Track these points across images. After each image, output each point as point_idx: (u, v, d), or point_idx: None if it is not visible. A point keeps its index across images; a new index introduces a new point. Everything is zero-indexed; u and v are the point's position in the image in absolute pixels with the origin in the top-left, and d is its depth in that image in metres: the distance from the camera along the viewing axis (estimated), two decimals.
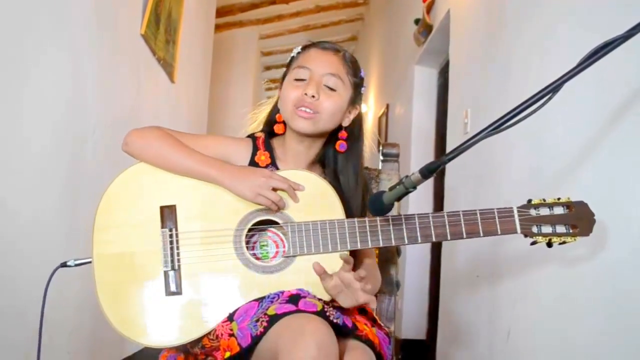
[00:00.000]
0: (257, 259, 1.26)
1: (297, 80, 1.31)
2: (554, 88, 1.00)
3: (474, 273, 2.43)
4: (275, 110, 1.40)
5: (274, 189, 1.23)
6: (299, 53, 1.36)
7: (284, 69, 1.39)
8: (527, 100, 1.01)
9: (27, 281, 1.80)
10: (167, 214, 1.23)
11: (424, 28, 3.63)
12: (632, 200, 1.29)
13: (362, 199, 1.33)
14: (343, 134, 1.35)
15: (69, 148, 2.17)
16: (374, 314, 1.34)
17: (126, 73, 2.86)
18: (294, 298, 1.14)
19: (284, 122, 1.35)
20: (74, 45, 2.17)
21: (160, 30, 3.36)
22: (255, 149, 1.35)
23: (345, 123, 1.35)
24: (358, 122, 1.38)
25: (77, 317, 2.25)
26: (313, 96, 1.27)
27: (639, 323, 1.25)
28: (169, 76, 3.66)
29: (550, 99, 1.01)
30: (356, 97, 1.36)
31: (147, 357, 1.30)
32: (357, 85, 1.35)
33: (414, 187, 1.07)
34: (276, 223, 1.24)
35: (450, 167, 2.91)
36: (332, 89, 1.30)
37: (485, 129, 1.03)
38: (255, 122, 1.45)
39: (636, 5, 1.33)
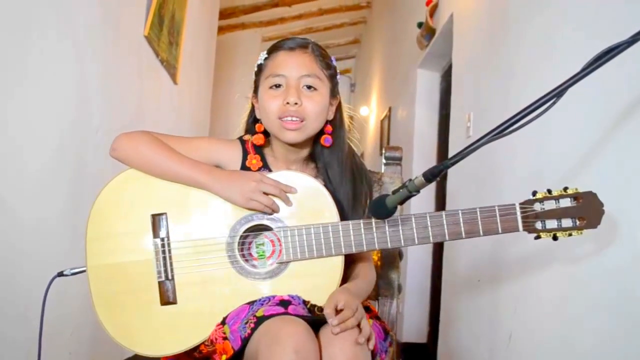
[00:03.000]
0: (254, 258, 1.25)
1: (272, 88, 1.27)
2: (557, 93, 1.00)
3: (475, 277, 2.43)
4: (250, 119, 1.37)
5: (266, 193, 1.20)
6: (266, 59, 1.31)
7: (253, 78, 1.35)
8: (531, 105, 1.01)
9: (29, 282, 1.81)
10: (159, 222, 1.22)
11: (427, 31, 3.64)
12: (636, 202, 1.29)
13: (351, 189, 1.30)
14: (328, 128, 1.31)
15: (72, 149, 2.17)
16: (377, 313, 1.34)
17: (129, 74, 2.86)
18: (285, 303, 1.14)
19: (263, 132, 1.32)
20: (78, 46, 2.18)
21: (164, 32, 3.37)
22: (245, 153, 1.32)
23: (330, 117, 1.32)
24: (339, 112, 1.35)
25: (78, 317, 2.25)
26: (296, 103, 1.24)
27: None
28: (171, 78, 3.66)
29: (553, 104, 1.01)
30: (333, 88, 1.32)
31: (148, 358, 1.30)
32: (332, 76, 1.32)
33: (418, 191, 1.07)
34: (269, 228, 1.23)
35: (452, 171, 2.91)
36: (312, 90, 1.26)
37: (489, 133, 1.03)
38: (239, 127, 1.42)
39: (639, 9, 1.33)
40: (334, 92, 1.32)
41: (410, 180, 1.07)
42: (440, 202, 3.50)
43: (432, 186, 3.66)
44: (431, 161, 3.84)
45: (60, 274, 1.27)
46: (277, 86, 1.26)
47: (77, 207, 2.20)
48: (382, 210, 1.12)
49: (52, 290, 1.26)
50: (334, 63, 1.34)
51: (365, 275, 1.31)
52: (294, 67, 1.26)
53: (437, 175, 1.04)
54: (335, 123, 1.33)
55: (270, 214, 1.21)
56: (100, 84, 2.42)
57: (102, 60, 2.43)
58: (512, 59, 2.18)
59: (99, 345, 2.45)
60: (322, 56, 1.30)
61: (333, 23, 7.21)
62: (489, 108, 2.44)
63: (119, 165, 1.28)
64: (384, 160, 1.56)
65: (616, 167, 1.39)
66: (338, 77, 1.34)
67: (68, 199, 2.15)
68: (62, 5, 2.03)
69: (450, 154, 3.01)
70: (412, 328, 3.88)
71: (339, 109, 1.35)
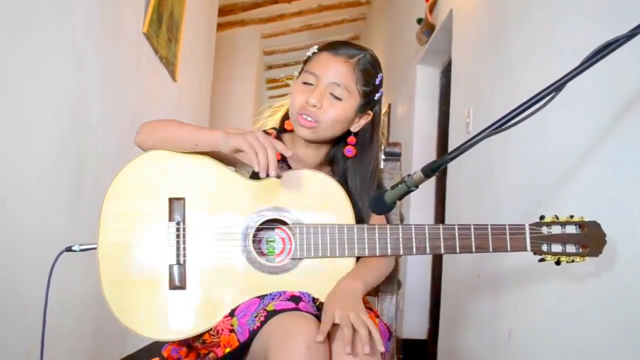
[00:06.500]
0: (263, 253, 1.25)
1: (304, 84, 1.30)
2: (556, 87, 1.00)
3: (475, 273, 2.43)
4: None
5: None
6: (314, 53, 1.33)
7: (296, 68, 1.38)
8: (530, 99, 1.01)
9: (28, 282, 1.80)
10: (176, 206, 1.22)
11: (427, 27, 3.63)
12: (635, 201, 1.29)
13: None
14: (351, 139, 1.33)
15: (71, 147, 2.17)
16: (377, 312, 1.34)
17: (128, 71, 2.86)
18: (296, 299, 1.14)
19: None
20: (77, 43, 2.17)
21: (163, 28, 3.36)
22: None
23: (354, 129, 1.33)
24: (369, 129, 1.35)
25: (78, 314, 2.25)
26: (314, 105, 1.26)
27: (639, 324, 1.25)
28: (171, 74, 3.66)
29: (552, 98, 1.01)
30: (367, 104, 1.32)
31: (148, 354, 1.30)
32: (368, 94, 1.31)
33: (416, 186, 1.07)
34: (285, 223, 1.23)
35: (452, 166, 2.91)
36: (336, 98, 1.27)
37: (487, 128, 1.03)
38: (277, 114, 1.44)
39: (639, 4, 1.33)
40: (364, 108, 1.32)
41: (409, 175, 1.07)
42: (441, 197, 3.50)
43: (432, 182, 3.67)
44: (431, 157, 3.83)
45: (69, 249, 1.25)
46: (309, 84, 1.29)
47: (77, 205, 2.20)
48: (382, 206, 1.12)
49: (52, 288, 1.25)
50: (378, 82, 1.32)
51: (379, 259, 1.27)
52: (329, 72, 1.28)
53: (435, 171, 1.04)
54: (363, 137, 1.35)
55: (254, 158, 1.12)
56: (99, 82, 2.41)
57: (101, 58, 2.42)
58: (511, 55, 2.18)
59: (99, 342, 2.45)
60: (365, 71, 1.29)
61: (333, 20, 7.20)
62: (488, 103, 2.44)
63: (119, 162, 1.27)
64: (383, 156, 1.55)
65: (613, 161, 1.39)
66: (378, 95, 1.33)
67: (68, 197, 2.14)
68: (61, 3, 2.03)
69: (450, 149, 3.02)
70: (412, 325, 3.88)
71: (370, 126, 1.35)
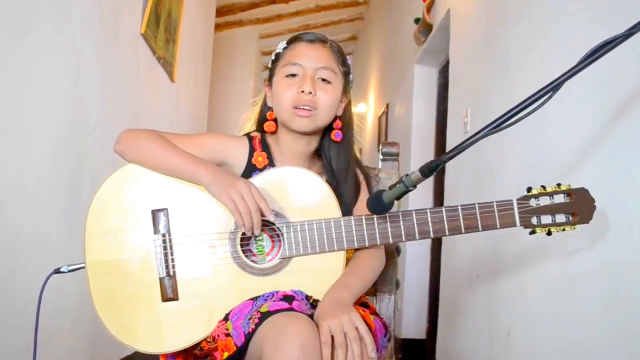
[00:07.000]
0: (253, 254, 1.25)
1: (288, 77, 1.29)
2: (553, 87, 1.00)
3: (473, 272, 2.43)
4: (264, 108, 1.39)
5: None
6: (285, 48, 1.34)
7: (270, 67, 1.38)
8: (527, 99, 1.01)
9: (26, 283, 1.80)
10: (159, 217, 1.21)
11: (424, 27, 3.64)
12: (635, 201, 1.29)
13: (354, 188, 1.33)
14: (338, 123, 1.34)
15: (69, 147, 2.17)
16: (375, 309, 1.34)
17: (126, 72, 2.86)
18: (288, 298, 1.13)
19: (274, 120, 1.34)
20: (75, 44, 2.17)
21: (160, 29, 3.36)
22: (252, 150, 1.33)
23: (339, 113, 1.34)
24: (348, 110, 1.38)
25: (75, 314, 2.25)
26: (310, 92, 1.26)
27: (638, 322, 1.25)
28: (168, 75, 3.66)
29: (550, 98, 1.01)
30: (346, 85, 1.35)
31: (147, 356, 1.30)
32: (346, 74, 1.35)
33: (414, 186, 1.07)
34: (272, 223, 1.23)
35: (450, 166, 2.92)
36: (326, 82, 1.29)
37: (485, 128, 1.03)
38: (250, 122, 1.43)
39: (636, 3, 1.33)
40: (345, 90, 1.35)
41: (406, 175, 1.07)
42: (439, 197, 3.50)
43: (431, 181, 3.67)
44: (429, 157, 3.84)
45: (57, 271, 1.26)
46: (293, 75, 1.29)
47: (75, 206, 2.19)
48: (379, 206, 1.12)
49: (50, 288, 1.25)
50: (350, 62, 1.37)
51: (365, 262, 1.27)
52: (312, 58, 1.29)
53: (433, 170, 1.04)
54: (345, 120, 1.36)
55: (239, 220, 1.16)
56: (97, 82, 2.41)
57: (98, 59, 2.42)
58: (509, 54, 2.18)
59: (98, 343, 2.45)
60: (340, 52, 1.34)
61: (330, 20, 7.21)
62: (486, 103, 2.44)
63: (117, 163, 1.27)
64: (381, 156, 1.55)
65: (611, 160, 1.39)
66: (351, 76, 1.37)
67: (66, 197, 2.14)
68: (60, 3, 2.03)
69: (448, 149, 3.02)
70: (411, 324, 3.88)
71: (348, 107, 1.38)
